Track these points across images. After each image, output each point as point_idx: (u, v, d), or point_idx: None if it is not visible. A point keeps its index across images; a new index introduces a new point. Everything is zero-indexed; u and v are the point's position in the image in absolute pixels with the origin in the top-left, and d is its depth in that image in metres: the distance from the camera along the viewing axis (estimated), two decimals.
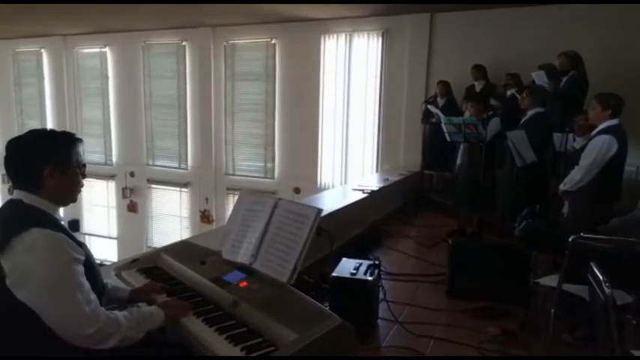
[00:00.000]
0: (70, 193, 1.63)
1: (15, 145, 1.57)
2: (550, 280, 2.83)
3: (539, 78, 5.23)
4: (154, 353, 1.64)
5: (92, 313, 1.45)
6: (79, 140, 1.66)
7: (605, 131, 3.46)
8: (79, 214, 10.35)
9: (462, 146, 5.31)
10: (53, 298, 1.42)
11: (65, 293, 1.43)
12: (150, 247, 9.53)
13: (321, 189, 7.92)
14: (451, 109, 6.30)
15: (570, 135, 4.55)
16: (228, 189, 9.02)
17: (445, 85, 6.56)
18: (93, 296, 1.50)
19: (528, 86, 5.14)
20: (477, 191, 4.86)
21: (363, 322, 2.57)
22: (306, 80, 8.09)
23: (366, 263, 2.85)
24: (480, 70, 6.32)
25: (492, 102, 5.67)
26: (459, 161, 5.48)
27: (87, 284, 1.50)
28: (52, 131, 1.65)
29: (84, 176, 1.67)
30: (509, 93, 5.79)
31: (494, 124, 4.88)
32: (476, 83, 6.37)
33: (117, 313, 1.55)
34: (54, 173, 1.55)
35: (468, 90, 6.34)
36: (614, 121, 3.48)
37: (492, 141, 4.81)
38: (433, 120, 6.36)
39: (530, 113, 4.52)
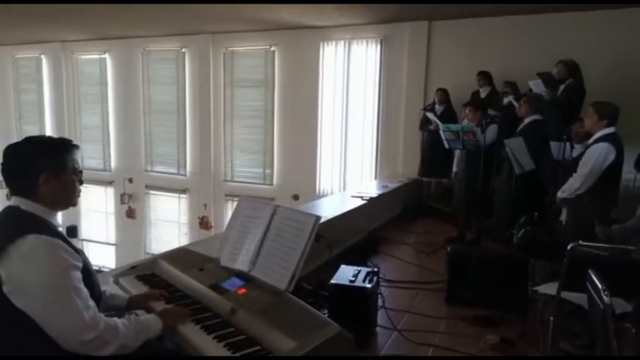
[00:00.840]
0: (66, 199, 1.63)
1: (11, 152, 1.58)
2: (549, 288, 2.83)
3: (537, 86, 5.26)
4: None
5: (91, 319, 1.45)
6: (76, 146, 1.66)
7: (602, 139, 3.48)
8: (77, 220, 10.33)
9: (457, 153, 5.32)
10: (51, 304, 1.41)
11: (63, 299, 1.42)
12: (148, 253, 9.50)
13: (320, 196, 7.91)
14: (449, 116, 6.32)
15: (568, 144, 4.57)
16: (226, 195, 9.02)
17: (443, 93, 6.58)
18: (91, 302, 1.49)
19: (526, 94, 5.16)
20: (474, 198, 4.87)
21: (361, 329, 2.56)
22: (305, 87, 8.11)
23: (364, 270, 2.84)
24: (484, 77, 6.35)
25: (490, 111, 5.69)
26: (454, 169, 5.49)
27: (85, 290, 1.49)
28: (49, 138, 1.66)
29: (81, 182, 1.67)
30: (506, 101, 5.82)
31: (492, 131, 4.90)
32: (481, 90, 6.39)
33: (116, 320, 1.55)
34: (50, 179, 1.55)
35: (473, 96, 6.37)
36: (610, 129, 3.50)
37: (490, 148, 4.83)
38: (431, 127, 6.38)
39: (527, 121, 4.54)
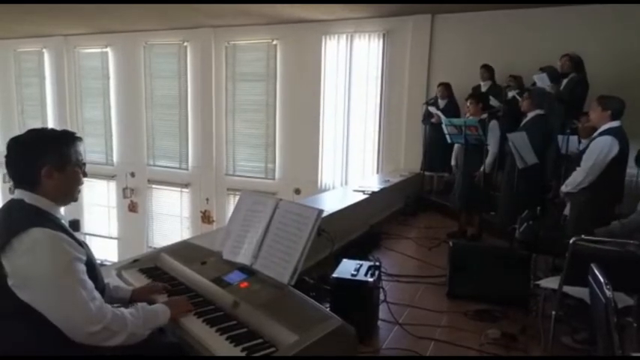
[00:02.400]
0: (69, 192, 1.63)
1: (14, 144, 1.58)
2: (550, 282, 2.83)
3: (541, 80, 5.23)
4: (153, 353, 1.64)
5: (98, 310, 1.45)
6: (79, 139, 1.66)
7: (606, 133, 3.47)
8: (79, 214, 10.35)
9: (455, 146, 5.28)
10: (57, 297, 1.42)
11: (69, 292, 1.43)
12: (150, 247, 9.53)
13: (322, 190, 7.91)
14: (452, 110, 6.29)
15: (572, 137, 4.55)
16: (228, 189, 9.02)
17: (445, 87, 6.55)
18: (97, 294, 1.50)
19: (529, 88, 5.14)
20: (476, 193, 4.85)
21: (363, 323, 2.57)
22: (307, 81, 8.09)
23: (366, 264, 2.85)
24: (488, 70, 6.30)
25: (492, 102, 5.65)
26: (453, 162, 5.44)
27: (90, 282, 1.50)
28: (52, 130, 1.65)
29: (85, 175, 1.67)
30: (510, 95, 5.79)
31: (494, 129, 4.85)
32: (482, 83, 6.36)
33: (123, 310, 1.56)
34: (53, 172, 1.55)
35: (474, 90, 6.34)
36: (615, 123, 3.48)
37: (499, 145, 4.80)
38: (433, 120, 6.36)
39: (530, 115, 4.52)
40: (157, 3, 6.48)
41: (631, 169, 4.16)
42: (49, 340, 1.42)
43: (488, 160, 4.81)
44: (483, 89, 6.27)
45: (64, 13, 7.77)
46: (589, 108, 3.98)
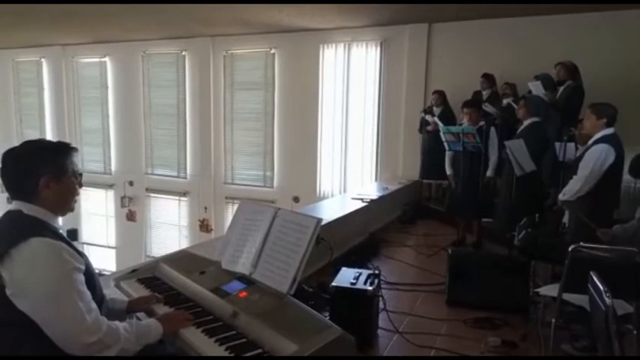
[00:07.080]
0: (66, 203, 1.63)
1: (10, 156, 1.57)
2: (550, 290, 2.83)
3: (536, 88, 5.26)
4: None
5: (93, 322, 1.45)
6: (74, 150, 1.66)
7: (601, 140, 3.48)
8: (77, 224, 10.32)
9: (447, 155, 5.28)
10: (54, 307, 1.41)
11: (66, 302, 1.42)
12: (149, 256, 9.50)
13: (321, 198, 7.92)
14: (447, 117, 6.32)
15: (569, 144, 4.56)
16: (227, 198, 9.02)
17: (440, 95, 6.58)
18: (94, 305, 1.50)
19: (525, 96, 5.16)
20: (475, 200, 4.85)
21: (362, 332, 2.56)
22: (305, 89, 8.12)
23: (365, 273, 2.84)
24: (488, 79, 6.33)
25: (489, 108, 5.67)
26: (448, 171, 5.42)
27: (88, 293, 1.49)
28: (47, 141, 1.66)
29: (80, 185, 1.67)
30: (505, 102, 5.82)
31: (493, 136, 4.86)
32: (483, 93, 6.39)
33: (117, 324, 1.55)
34: (50, 183, 1.55)
35: (475, 95, 6.37)
36: (609, 130, 3.50)
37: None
38: (429, 128, 6.39)
39: (526, 123, 4.54)
40: (155, 2, 6.40)
41: (627, 176, 4.17)
42: (45, 351, 1.41)
43: (491, 167, 4.82)
44: (484, 97, 6.30)
45: (63, 22, 7.80)
46: (584, 115, 4.00)
